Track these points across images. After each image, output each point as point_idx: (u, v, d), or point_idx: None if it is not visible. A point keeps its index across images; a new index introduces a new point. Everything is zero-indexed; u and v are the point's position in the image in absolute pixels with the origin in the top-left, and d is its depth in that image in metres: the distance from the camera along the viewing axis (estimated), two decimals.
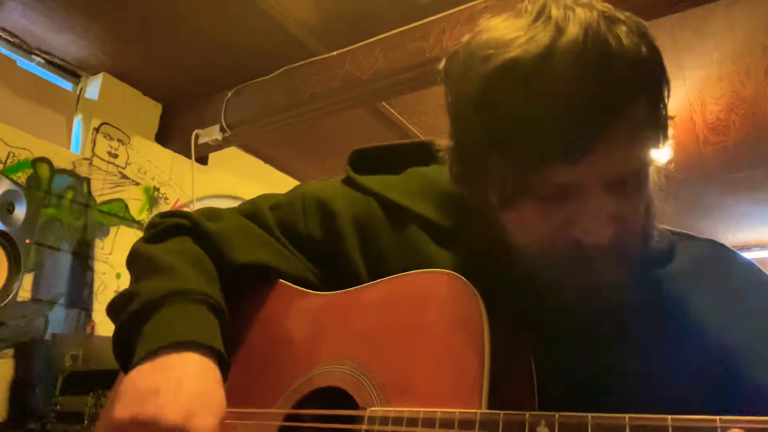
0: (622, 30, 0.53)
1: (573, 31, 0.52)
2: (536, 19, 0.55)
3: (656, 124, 0.57)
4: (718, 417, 0.39)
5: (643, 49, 0.54)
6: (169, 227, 0.79)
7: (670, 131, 0.59)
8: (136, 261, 0.78)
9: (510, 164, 0.56)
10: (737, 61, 2.52)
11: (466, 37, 0.61)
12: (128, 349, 0.66)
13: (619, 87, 0.52)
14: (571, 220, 0.56)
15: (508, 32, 0.56)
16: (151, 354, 0.62)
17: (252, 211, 0.81)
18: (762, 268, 0.65)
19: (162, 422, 0.56)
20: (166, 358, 0.62)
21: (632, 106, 0.53)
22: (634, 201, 0.58)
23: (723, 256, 0.68)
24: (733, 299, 0.63)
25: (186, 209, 3.01)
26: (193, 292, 0.69)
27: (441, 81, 0.65)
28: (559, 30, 0.53)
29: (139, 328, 0.66)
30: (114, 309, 0.73)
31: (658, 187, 0.61)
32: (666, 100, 0.57)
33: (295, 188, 0.84)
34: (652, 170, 0.59)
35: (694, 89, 2.70)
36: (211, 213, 0.82)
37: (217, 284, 0.74)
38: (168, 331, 0.65)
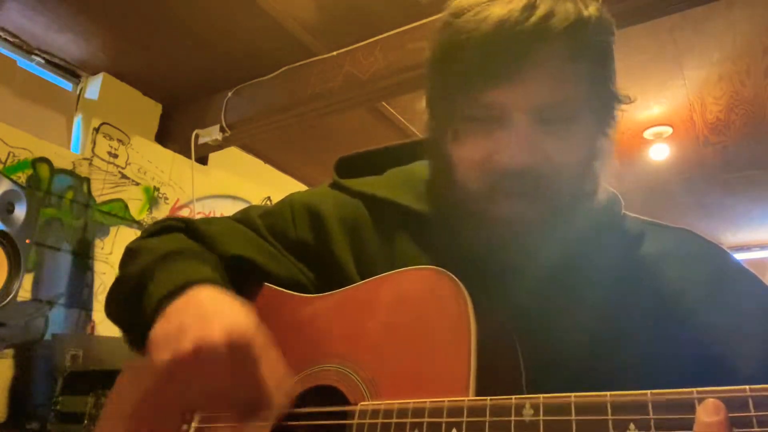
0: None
1: None
2: None
3: (582, 74, 0.62)
4: (694, 389, 0.41)
5: (588, 13, 0.61)
6: (162, 228, 0.82)
7: (620, 113, 0.67)
8: (129, 255, 0.79)
9: (447, 86, 0.64)
10: (737, 61, 2.52)
11: None
12: (137, 322, 0.66)
13: (544, 29, 0.59)
14: (498, 148, 0.62)
15: None
16: (162, 303, 0.63)
17: (243, 219, 0.83)
18: (758, 267, 0.65)
19: (205, 348, 0.55)
20: (176, 302, 0.62)
21: (553, 48, 0.60)
22: (563, 144, 0.63)
23: (696, 244, 0.68)
24: (705, 285, 0.63)
25: (186, 209, 3.02)
26: (191, 251, 0.72)
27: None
28: None
29: (142, 292, 0.67)
30: (113, 295, 0.74)
31: (602, 152, 0.66)
32: (605, 69, 0.65)
33: (284, 198, 0.86)
34: (590, 128, 0.65)
35: (694, 89, 2.69)
36: (205, 219, 0.85)
37: (215, 260, 0.75)
38: (169, 281, 0.65)
